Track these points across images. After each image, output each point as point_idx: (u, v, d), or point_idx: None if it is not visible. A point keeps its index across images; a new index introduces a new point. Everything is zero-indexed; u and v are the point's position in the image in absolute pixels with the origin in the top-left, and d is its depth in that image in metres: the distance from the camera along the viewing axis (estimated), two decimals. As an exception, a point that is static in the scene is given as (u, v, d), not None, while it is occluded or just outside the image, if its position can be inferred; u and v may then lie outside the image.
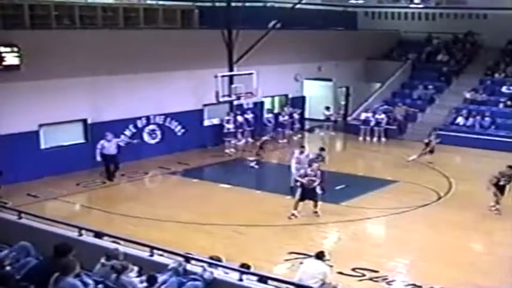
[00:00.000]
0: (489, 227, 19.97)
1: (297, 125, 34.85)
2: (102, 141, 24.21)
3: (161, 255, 11.25)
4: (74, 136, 26.46)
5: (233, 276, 10.31)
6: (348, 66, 38.85)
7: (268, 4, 31.32)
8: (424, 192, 23.56)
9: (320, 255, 12.89)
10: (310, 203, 20.15)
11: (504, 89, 36.02)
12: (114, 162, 24.71)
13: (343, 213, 20.74)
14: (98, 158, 24.28)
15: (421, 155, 28.08)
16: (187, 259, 10.81)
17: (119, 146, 24.82)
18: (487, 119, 33.62)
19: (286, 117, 33.92)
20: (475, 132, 33.06)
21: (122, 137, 26.53)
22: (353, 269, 15.70)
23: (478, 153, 30.72)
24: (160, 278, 10.21)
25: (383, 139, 34.19)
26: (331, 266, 12.93)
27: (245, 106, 32.10)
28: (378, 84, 39.92)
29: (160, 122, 29.41)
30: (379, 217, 20.65)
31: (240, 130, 31.62)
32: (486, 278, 15.74)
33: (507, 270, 16.39)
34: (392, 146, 33.14)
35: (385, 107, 36.52)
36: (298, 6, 32.64)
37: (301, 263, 15.08)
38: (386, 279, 15.54)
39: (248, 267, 11.59)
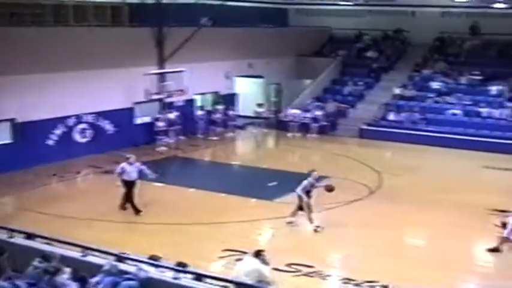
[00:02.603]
0: (421, 220, 20.28)
1: (231, 123, 34.73)
2: (123, 164, 20.75)
3: (95, 255, 11.07)
4: (1, 136, 25.83)
5: (169, 275, 10.22)
6: (279, 63, 39.01)
7: (199, 1, 31.17)
8: (356, 187, 23.81)
9: (257, 254, 12.88)
10: None
11: (432, 84, 36.68)
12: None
13: (276, 209, 20.78)
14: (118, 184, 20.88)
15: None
16: (121, 259, 10.68)
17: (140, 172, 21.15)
18: (416, 114, 34.21)
19: (219, 115, 33.84)
20: (405, 127, 33.58)
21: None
22: (288, 265, 15.76)
23: (408, 148, 31.26)
24: (95, 278, 10.06)
25: (315, 135, 34.43)
26: (267, 264, 12.92)
27: (176, 104, 31.86)
28: (309, 81, 40.19)
29: (91, 121, 28.98)
30: (313, 213, 20.73)
31: (172, 128, 31.38)
32: (423, 271, 15.99)
33: (443, 262, 16.68)
34: (324, 142, 33.44)
35: (317, 103, 36.80)
36: (229, 3, 32.65)
37: (237, 260, 15.15)
38: (321, 274, 15.64)
39: (184, 265, 11.53)
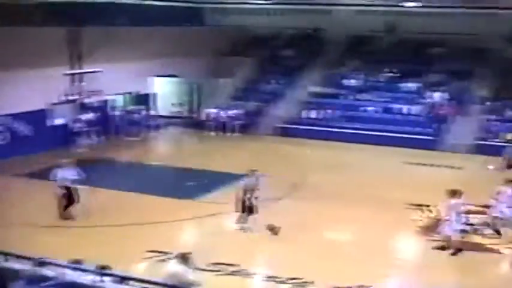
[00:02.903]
0: (344, 216, 20.48)
1: (150, 123, 34.32)
2: (58, 169, 19.81)
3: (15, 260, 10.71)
4: None
5: (91, 278, 9.97)
6: (197, 63, 38.81)
7: (116, 1, 30.73)
8: (279, 184, 23.83)
9: (183, 256, 12.70)
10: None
11: (350, 82, 37.16)
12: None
13: (199, 208, 20.67)
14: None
15: None
16: (42, 264, 10.37)
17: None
18: (334, 111, 34.56)
19: (138, 115, 33.40)
20: (324, 124, 33.96)
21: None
22: (212, 264, 15.65)
23: (328, 145, 31.61)
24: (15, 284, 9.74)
25: (236, 134, 34.42)
26: (193, 267, 12.80)
27: (94, 105, 31.28)
28: (227, 80, 40.11)
29: (5, 123, 28.17)
30: (235, 212, 20.68)
31: (90, 129, 30.82)
32: (347, 266, 16.17)
33: (366, 258, 16.88)
34: (245, 140, 33.47)
35: (236, 102, 36.78)
36: (146, 2, 32.33)
37: (160, 261, 15.01)
38: (246, 272, 15.60)
39: (107, 267, 11.31)
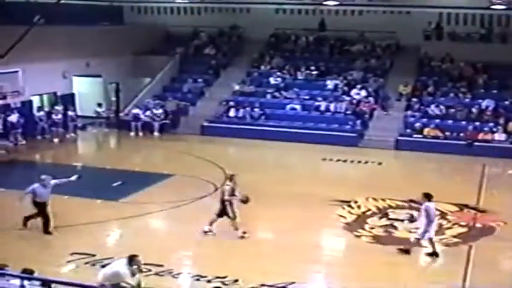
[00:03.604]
0: (268, 214, 20.49)
1: (71, 123, 33.62)
2: (35, 185, 18.40)
3: None
4: None
5: (16, 283, 9.76)
6: (118, 62, 38.28)
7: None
8: (201, 184, 23.78)
9: (130, 259, 12.59)
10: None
11: (271, 80, 37.32)
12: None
13: (123, 209, 20.42)
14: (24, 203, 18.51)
15: None
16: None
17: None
18: (256, 109, 34.69)
19: (59, 116, 32.64)
20: (246, 123, 34.02)
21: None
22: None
23: (250, 144, 31.67)
24: None
25: (158, 134, 34.15)
26: (139, 270, 12.70)
27: (12, 106, 30.49)
28: (148, 79, 39.79)
29: None
30: (159, 211, 20.61)
31: (13, 131, 30.08)
32: (273, 264, 16.24)
33: (291, 254, 16.99)
34: (167, 140, 33.25)
35: (157, 101, 36.48)
36: (63, 1, 31.63)
37: (86, 263, 14.84)
38: (171, 272, 15.51)
39: (31, 272, 11.10)
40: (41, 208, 18.25)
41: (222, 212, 18.30)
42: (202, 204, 21.42)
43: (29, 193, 18.22)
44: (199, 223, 18.75)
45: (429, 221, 16.89)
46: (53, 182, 18.53)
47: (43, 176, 18.44)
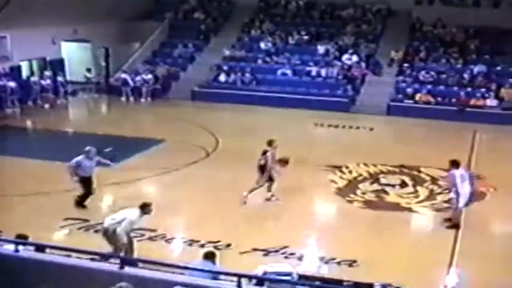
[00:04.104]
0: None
1: (61, 89, 33.40)
2: (79, 158, 17.48)
3: None
4: None
5: (10, 248, 9.74)
6: (106, 27, 37.85)
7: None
8: (192, 150, 23.74)
9: (142, 206, 13.41)
10: None
11: (261, 45, 37.14)
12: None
13: (114, 175, 20.35)
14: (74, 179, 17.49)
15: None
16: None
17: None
18: (247, 75, 34.58)
19: (49, 81, 32.40)
20: (237, 88, 33.95)
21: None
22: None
23: (241, 109, 31.61)
24: None
25: (148, 99, 34.03)
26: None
27: (1, 71, 30.22)
28: (138, 45, 39.52)
29: None
30: (151, 177, 20.56)
31: (13, 97, 30.04)
32: (266, 230, 16.37)
33: (286, 220, 17.08)
34: (158, 105, 33.14)
35: (147, 66, 36.29)
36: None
37: (79, 228, 14.92)
38: (165, 237, 15.53)
39: (25, 237, 11.12)
40: (86, 183, 17.37)
41: (268, 177, 18.36)
42: (193, 170, 21.39)
43: (72, 166, 17.19)
44: (190, 189, 18.74)
45: (456, 188, 16.53)
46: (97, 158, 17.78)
47: (88, 148, 17.59)
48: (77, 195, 17.35)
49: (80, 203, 17.30)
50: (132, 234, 13.49)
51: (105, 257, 11.06)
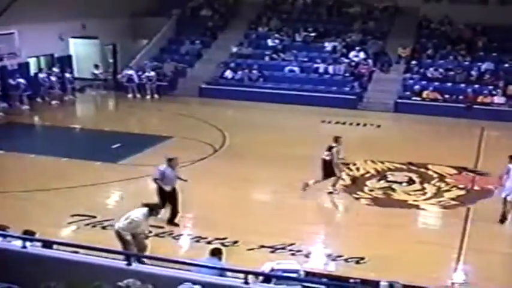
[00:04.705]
0: (267, 176, 20.59)
1: (69, 86, 33.47)
2: (161, 167, 16.29)
3: None
4: None
5: (18, 244, 9.75)
6: (113, 24, 37.84)
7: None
8: (200, 146, 23.80)
9: (150, 207, 13.54)
10: None
11: (269, 42, 37.10)
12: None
13: (121, 171, 20.44)
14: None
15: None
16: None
17: None
18: (254, 71, 34.56)
19: (55, 78, 32.41)
20: (244, 85, 33.92)
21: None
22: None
23: (248, 106, 31.56)
24: None
25: (155, 96, 34.04)
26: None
27: (9, 68, 30.25)
28: (145, 41, 39.53)
29: None
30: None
31: (23, 93, 30.06)
32: (271, 225, 16.33)
33: (289, 216, 17.06)
34: (165, 102, 33.15)
35: (154, 63, 36.29)
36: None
37: (86, 224, 14.97)
38: (172, 233, 15.60)
39: (32, 233, 11.15)
40: (169, 196, 16.08)
41: (331, 173, 18.73)
42: (200, 166, 21.41)
43: (157, 177, 16.11)
44: (198, 185, 18.75)
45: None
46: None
47: (169, 156, 16.67)
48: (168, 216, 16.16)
49: (171, 221, 16.13)
50: (142, 236, 13.43)
51: (112, 253, 11.07)
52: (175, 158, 16.46)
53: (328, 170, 18.67)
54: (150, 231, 15.01)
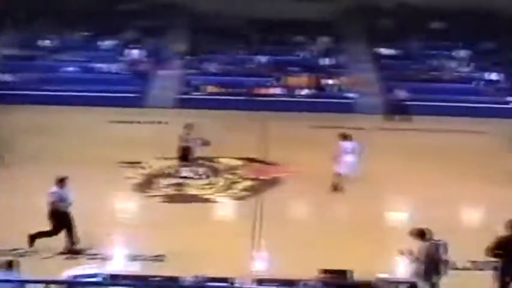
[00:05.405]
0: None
1: None
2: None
3: None
4: None
5: None
6: None
7: None
8: None
9: None
10: None
11: (43, 43, 36.06)
12: None
13: None
14: None
15: None
16: None
17: None
18: (32, 74, 33.02)
19: None
20: (20, 88, 32.07)
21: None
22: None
23: (27, 109, 29.84)
24: None
25: None
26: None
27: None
28: None
29: None
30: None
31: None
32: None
33: (96, 218, 16.54)
34: None
35: None
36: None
37: None
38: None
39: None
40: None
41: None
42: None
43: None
44: None
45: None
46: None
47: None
48: None
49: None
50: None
51: None
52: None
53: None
54: None
